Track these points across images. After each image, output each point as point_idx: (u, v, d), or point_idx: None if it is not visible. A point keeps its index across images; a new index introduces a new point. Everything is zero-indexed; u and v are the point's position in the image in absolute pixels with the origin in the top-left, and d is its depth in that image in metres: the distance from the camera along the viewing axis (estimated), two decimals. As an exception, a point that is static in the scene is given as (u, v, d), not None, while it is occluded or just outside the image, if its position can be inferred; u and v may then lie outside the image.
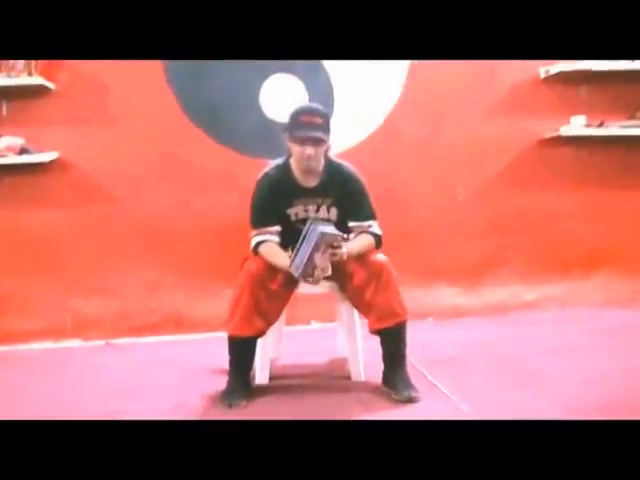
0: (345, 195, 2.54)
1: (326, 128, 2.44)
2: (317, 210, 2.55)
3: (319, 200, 2.55)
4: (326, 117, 2.47)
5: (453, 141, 3.75)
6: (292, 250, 2.56)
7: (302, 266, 2.31)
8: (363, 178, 2.60)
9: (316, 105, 2.57)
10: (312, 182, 2.54)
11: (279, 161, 2.58)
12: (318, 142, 2.42)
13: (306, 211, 2.56)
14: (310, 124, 2.41)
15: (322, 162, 2.52)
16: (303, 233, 2.34)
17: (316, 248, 2.30)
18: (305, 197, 2.54)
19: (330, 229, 2.35)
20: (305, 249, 2.31)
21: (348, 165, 2.60)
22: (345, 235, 2.43)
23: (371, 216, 2.57)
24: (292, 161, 2.53)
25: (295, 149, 2.44)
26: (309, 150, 2.40)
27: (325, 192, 2.54)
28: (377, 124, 3.70)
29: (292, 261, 2.34)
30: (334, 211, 2.56)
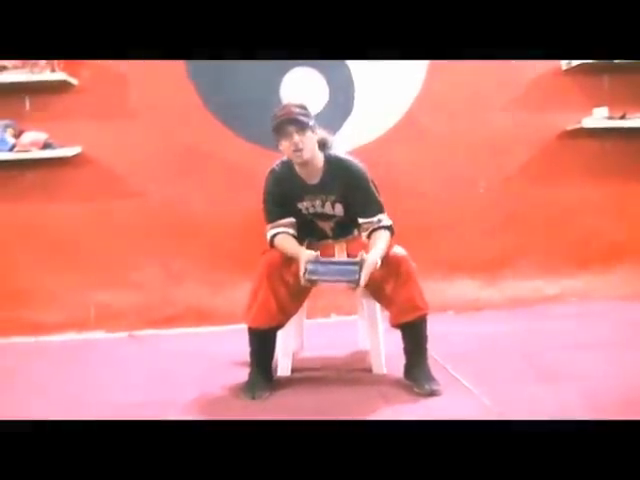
0: (349, 191, 2.52)
1: (306, 115, 2.43)
2: (322, 206, 2.56)
3: (323, 197, 2.54)
4: (303, 107, 2.46)
5: (474, 134, 3.74)
6: (307, 244, 2.58)
7: (315, 278, 2.34)
8: (366, 170, 2.56)
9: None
10: (314, 179, 2.53)
11: (284, 158, 2.58)
12: (301, 127, 2.40)
13: (313, 206, 2.57)
14: (287, 114, 2.42)
15: (319, 157, 2.51)
16: (345, 261, 2.39)
17: (340, 282, 2.36)
18: (310, 194, 2.54)
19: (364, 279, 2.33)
20: (336, 275, 2.33)
21: (349, 159, 2.57)
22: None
23: (379, 210, 2.54)
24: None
25: (285, 146, 2.43)
26: (296, 138, 2.39)
27: (328, 189, 2.53)
28: (398, 117, 3.69)
29: (312, 263, 2.33)
30: (339, 207, 2.56)
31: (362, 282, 2.30)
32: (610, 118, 3.68)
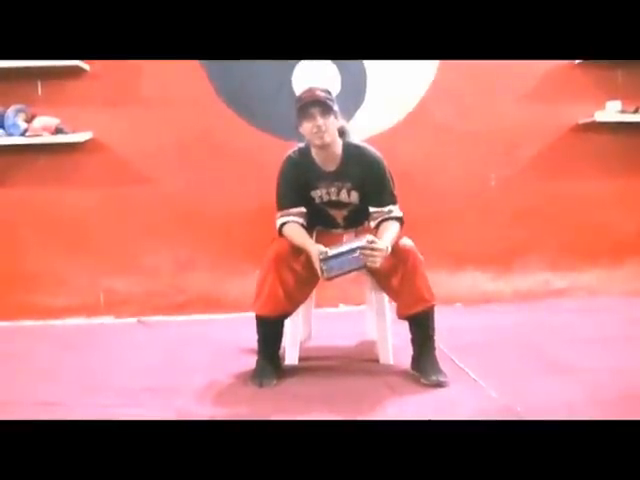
0: (365, 179, 2.53)
1: (330, 99, 2.44)
2: (338, 194, 2.56)
3: (339, 184, 2.55)
4: (327, 91, 2.47)
5: (486, 126, 3.72)
6: (317, 232, 2.58)
7: (334, 274, 2.33)
8: (383, 160, 2.56)
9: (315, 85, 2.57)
10: (331, 166, 2.54)
11: (301, 145, 2.59)
12: (325, 110, 2.41)
13: (328, 194, 2.57)
14: (312, 97, 2.42)
15: (338, 143, 2.51)
16: (352, 249, 2.32)
17: (359, 269, 2.35)
18: (326, 181, 2.55)
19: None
20: (348, 265, 2.32)
21: (368, 147, 2.58)
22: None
23: (391, 200, 2.55)
24: (312, 146, 2.53)
25: (306, 128, 2.43)
26: (319, 120, 2.40)
27: (345, 176, 2.53)
28: (410, 108, 3.68)
29: (325, 261, 2.32)
30: (355, 195, 2.56)
31: (377, 263, 2.30)
32: (623, 112, 3.66)
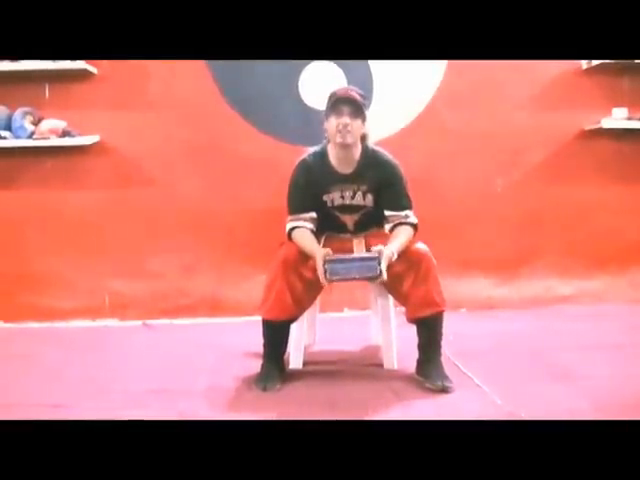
0: (381, 183, 2.54)
1: (362, 103, 2.48)
2: (353, 196, 2.57)
3: (355, 187, 2.55)
4: (363, 95, 2.51)
5: (493, 131, 3.72)
6: (325, 237, 2.58)
7: (336, 278, 2.33)
8: (401, 166, 2.59)
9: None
10: (348, 169, 2.55)
11: (317, 148, 2.61)
12: (355, 111, 2.44)
13: (342, 197, 2.57)
14: (347, 96, 2.45)
15: (358, 147, 2.53)
16: (362, 257, 2.35)
17: (361, 278, 2.36)
18: (341, 183, 2.55)
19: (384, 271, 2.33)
20: (354, 272, 2.33)
21: (386, 153, 2.60)
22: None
23: (407, 205, 2.56)
24: (329, 148, 2.55)
25: (332, 123, 2.45)
26: (345, 119, 2.42)
27: (361, 179, 2.55)
28: (416, 113, 3.68)
29: (330, 263, 2.32)
30: (370, 198, 2.57)
31: (384, 275, 2.30)
32: (629, 119, 3.65)
